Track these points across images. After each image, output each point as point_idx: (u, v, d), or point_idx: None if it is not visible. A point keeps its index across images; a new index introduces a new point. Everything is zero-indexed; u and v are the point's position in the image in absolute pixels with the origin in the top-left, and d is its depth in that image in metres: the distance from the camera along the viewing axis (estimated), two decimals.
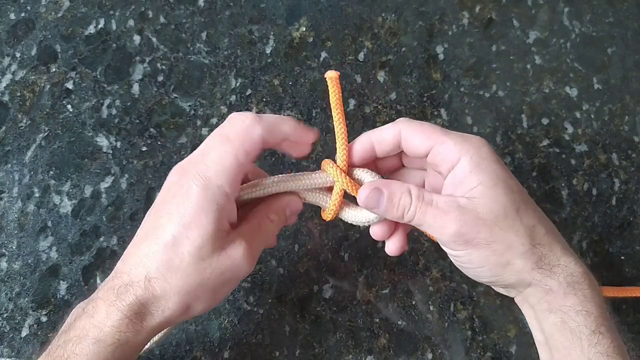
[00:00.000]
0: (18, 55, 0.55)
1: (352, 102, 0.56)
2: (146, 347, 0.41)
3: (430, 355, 0.49)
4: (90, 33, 0.57)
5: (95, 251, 0.50)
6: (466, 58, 0.59)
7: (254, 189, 0.38)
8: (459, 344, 0.49)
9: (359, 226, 0.41)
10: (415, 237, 0.52)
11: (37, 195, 0.51)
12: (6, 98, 0.54)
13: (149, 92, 0.55)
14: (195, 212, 0.33)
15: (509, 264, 0.34)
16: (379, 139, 0.38)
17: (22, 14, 0.57)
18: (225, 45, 0.57)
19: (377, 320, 0.49)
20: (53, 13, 0.57)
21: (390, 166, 0.42)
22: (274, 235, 0.39)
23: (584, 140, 0.57)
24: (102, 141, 0.53)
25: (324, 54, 0.57)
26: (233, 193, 0.35)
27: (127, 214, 0.51)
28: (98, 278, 0.49)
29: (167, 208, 0.34)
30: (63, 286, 0.49)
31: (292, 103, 0.55)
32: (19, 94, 0.54)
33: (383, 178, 0.39)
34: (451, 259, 0.38)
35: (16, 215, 0.50)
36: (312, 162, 0.53)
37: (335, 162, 0.39)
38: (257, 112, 0.55)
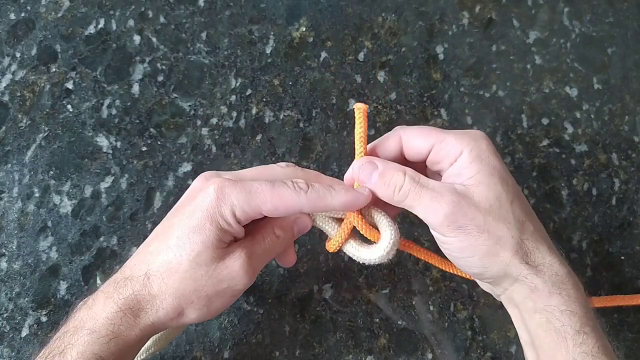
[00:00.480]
0: (18, 55, 0.55)
1: (352, 102, 0.56)
2: (142, 358, 0.41)
3: (430, 355, 0.49)
4: (90, 33, 0.57)
5: (95, 251, 0.50)
6: (466, 58, 0.59)
7: None
8: (459, 344, 0.49)
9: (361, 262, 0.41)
10: (415, 237, 0.52)
11: (37, 195, 0.51)
12: (6, 98, 0.54)
13: (149, 92, 0.55)
14: (202, 219, 0.34)
15: (498, 255, 0.34)
16: (381, 148, 0.39)
17: (22, 14, 0.57)
18: (225, 45, 0.57)
19: (377, 320, 0.49)
20: (53, 13, 0.57)
21: None
22: (278, 251, 0.39)
23: (584, 140, 0.57)
24: (102, 141, 0.53)
25: (324, 54, 0.57)
26: (244, 219, 0.35)
27: (127, 214, 0.51)
28: (98, 278, 0.49)
29: (182, 210, 0.35)
30: (63, 286, 0.49)
31: (292, 103, 0.55)
32: (19, 94, 0.54)
33: (398, 226, 0.39)
34: (441, 247, 0.37)
35: (16, 215, 0.50)
36: (312, 161, 0.53)
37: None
38: (256, 113, 0.55)
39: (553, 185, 0.55)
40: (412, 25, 0.59)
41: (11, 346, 0.47)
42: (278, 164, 0.40)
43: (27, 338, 0.47)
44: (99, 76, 0.55)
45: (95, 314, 0.33)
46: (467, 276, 0.41)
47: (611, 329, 0.49)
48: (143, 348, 0.40)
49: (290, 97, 0.56)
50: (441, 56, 0.58)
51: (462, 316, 0.50)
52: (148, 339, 0.36)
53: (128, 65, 0.56)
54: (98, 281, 0.49)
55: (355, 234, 0.40)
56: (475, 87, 0.57)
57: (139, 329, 0.34)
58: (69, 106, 0.54)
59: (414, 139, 0.37)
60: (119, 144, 0.53)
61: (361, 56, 0.58)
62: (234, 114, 0.55)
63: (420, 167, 0.39)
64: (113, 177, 0.52)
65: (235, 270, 0.34)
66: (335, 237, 0.39)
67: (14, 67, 0.55)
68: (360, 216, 0.38)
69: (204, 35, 0.57)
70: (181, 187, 0.52)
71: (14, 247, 0.50)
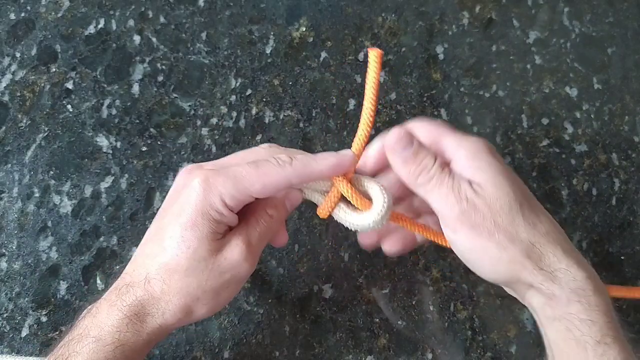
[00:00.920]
0: (18, 55, 0.55)
1: (352, 102, 0.56)
2: None
3: (430, 355, 0.49)
4: (90, 33, 0.57)
5: (95, 251, 0.50)
6: (466, 58, 0.59)
7: None
8: (459, 344, 0.49)
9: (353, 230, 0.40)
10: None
11: (37, 195, 0.51)
12: (6, 98, 0.54)
13: (149, 92, 0.55)
14: (192, 214, 0.33)
15: (509, 260, 0.33)
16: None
17: (22, 14, 0.57)
18: (225, 45, 0.57)
19: (377, 320, 0.49)
20: (53, 13, 0.57)
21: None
22: (274, 231, 0.38)
23: (584, 140, 0.57)
24: (102, 141, 0.53)
25: (324, 54, 0.57)
26: (235, 205, 0.35)
27: (127, 214, 0.51)
28: (98, 278, 0.49)
29: (170, 210, 0.35)
30: (63, 286, 0.49)
31: (292, 103, 0.55)
32: (19, 94, 0.54)
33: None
34: (452, 246, 0.37)
35: (16, 215, 0.50)
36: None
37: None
38: (256, 113, 0.55)
39: (553, 185, 0.55)
40: (412, 25, 0.59)
41: (11, 346, 0.47)
42: (260, 145, 0.39)
43: (27, 338, 0.47)
44: (99, 76, 0.55)
45: (100, 322, 0.33)
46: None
47: None
48: None
49: (290, 97, 0.56)
50: (441, 56, 0.58)
51: (462, 316, 0.50)
52: (156, 342, 0.36)
53: (128, 65, 0.56)
54: (98, 281, 0.49)
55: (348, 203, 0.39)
56: (475, 87, 0.57)
57: (146, 334, 0.33)
58: (69, 106, 0.54)
59: (424, 129, 0.38)
60: (119, 144, 0.53)
61: (361, 56, 0.58)
62: (234, 114, 0.55)
63: None
64: (113, 177, 0.52)
65: (235, 259, 0.34)
66: (324, 203, 0.38)
67: (14, 67, 0.55)
68: (349, 184, 0.37)
69: (204, 35, 0.57)
70: None
71: (14, 247, 0.50)
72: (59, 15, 0.57)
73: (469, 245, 0.35)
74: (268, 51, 0.57)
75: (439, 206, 0.35)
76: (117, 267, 0.49)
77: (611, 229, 0.54)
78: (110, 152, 0.53)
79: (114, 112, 0.54)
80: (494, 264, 0.34)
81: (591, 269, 0.34)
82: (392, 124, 0.55)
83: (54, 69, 0.55)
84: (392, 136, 0.36)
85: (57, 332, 0.47)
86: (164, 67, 0.56)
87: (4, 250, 0.50)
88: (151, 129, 0.54)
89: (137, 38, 0.57)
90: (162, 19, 0.58)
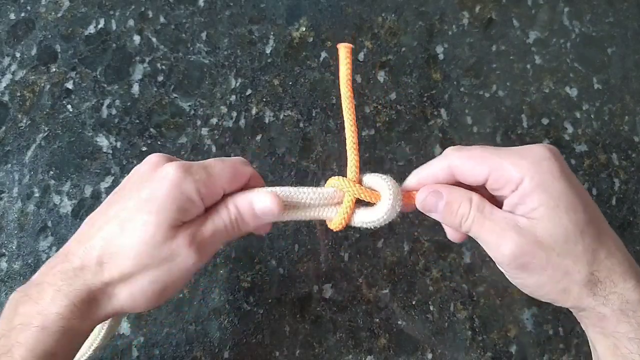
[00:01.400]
0: (18, 55, 0.55)
1: None
2: (95, 345, 0.40)
3: (430, 355, 0.49)
4: (90, 33, 0.57)
5: None
6: (466, 58, 0.59)
7: None
8: (459, 344, 0.49)
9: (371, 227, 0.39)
10: (415, 237, 0.52)
11: (37, 195, 0.51)
12: (6, 98, 0.54)
13: (149, 92, 0.55)
14: (163, 201, 0.33)
15: (564, 290, 0.33)
16: (429, 177, 0.37)
17: (22, 14, 0.57)
18: (225, 45, 0.57)
19: (377, 320, 0.49)
20: (53, 13, 0.57)
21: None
22: (237, 231, 0.36)
23: (584, 140, 0.57)
24: (102, 141, 0.53)
25: (324, 54, 0.57)
26: (207, 195, 0.35)
27: None
28: None
29: (138, 193, 0.34)
30: None
31: (292, 103, 0.55)
32: (19, 94, 0.54)
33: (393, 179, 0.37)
34: (508, 278, 0.36)
35: (16, 215, 0.50)
36: (312, 161, 0.53)
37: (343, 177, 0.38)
38: (256, 113, 0.55)
39: None
40: (412, 25, 0.59)
41: None
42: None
43: None
44: (99, 76, 0.55)
45: (44, 309, 0.31)
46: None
47: None
48: (87, 344, 0.40)
49: (290, 97, 0.56)
50: (441, 56, 0.58)
51: (462, 316, 0.50)
52: (99, 324, 0.35)
53: (128, 65, 0.56)
54: None
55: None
56: (475, 87, 0.57)
57: (91, 320, 0.33)
58: (69, 106, 0.54)
59: (465, 167, 0.34)
60: (119, 144, 0.53)
61: (361, 56, 0.58)
62: (234, 114, 0.55)
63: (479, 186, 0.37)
64: (113, 177, 0.52)
65: (181, 249, 0.33)
66: (339, 215, 0.37)
67: (14, 67, 0.55)
68: (357, 185, 0.37)
69: (204, 35, 0.57)
70: None
71: (14, 247, 0.50)
72: (59, 15, 0.57)
73: (523, 282, 0.34)
74: (268, 51, 0.57)
75: (488, 250, 0.34)
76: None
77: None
78: (110, 152, 0.53)
79: (114, 112, 0.54)
80: (550, 295, 0.34)
81: None
82: (392, 124, 0.55)
83: (54, 69, 0.55)
84: (419, 198, 0.36)
85: None
86: (164, 67, 0.56)
87: (4, 250, 0.50)
88: (151, 129, 0.54)
89: (137, 38, 0.57)
90: (162, 19, 0.58)
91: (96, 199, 0.51)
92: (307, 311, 0.49)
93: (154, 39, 0.57)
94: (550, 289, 0.33)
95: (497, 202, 0.35)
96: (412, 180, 0.37)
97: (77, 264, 0.33)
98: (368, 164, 0.54)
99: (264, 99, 0.55)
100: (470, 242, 0.52)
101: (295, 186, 0.37)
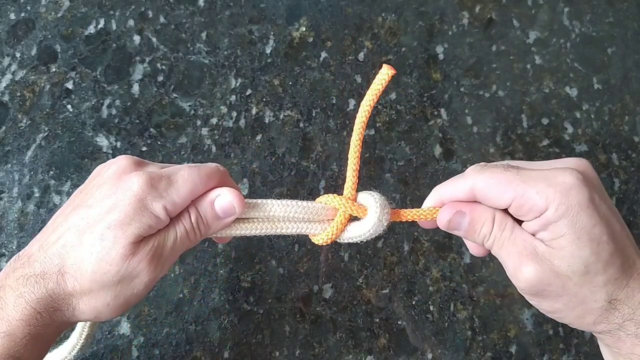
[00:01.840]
0: (18, 55, 0.55)
1: (352, 102, 0.56)
2: (74, 352, 0.40)
3: (430, 355, 0.49)
4: (90, 33, 0.57)
5: None
6: (466, 58, 0.59)
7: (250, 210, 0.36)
8: (459, 344, 0.49)
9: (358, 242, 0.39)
10: (415, 237, 0.52)
11: (37, 195, 0.51)
12: (6, 98, 0.54)
13: (149, 92, 0.55)
14: (125, 216, 0.32)
15: (580, 317, 0.33)
16: (450, 195, 0.36)
17: (22, 14, 0.57)
18: (225, 45, 0.57)
19: (377, 320, 0.49)
20: (53, 13, 0.57)
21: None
22: (197, 235, 0.36)
23: (584, 140, 0.57)
24: (102, 141, 0.53)
25: (324, 54, 0.57)
26: (174, 211, 0.34)
27: None
28: None
29: (101, 202, 0.33)
30: None
31: (292, 103, 0.55)
32: (19, 94, 0.54)
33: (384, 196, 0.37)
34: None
35: (16, 215, 0.50)
36: (312, 161, 0.53)
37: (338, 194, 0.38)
38: (256, 113, 0.55)
39: None
40: (412, 25, 0.59)
41: None
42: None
43: None
44: (99, 76, 0.55)
45: (8, 316, 0.31)
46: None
47: None
48: (68, 347, 0.40)
49: (290, 97, 0.56)
50: (441, 56, 0.58)
51: (462, 316, 0.50)
52: (65, 329, 0.35)
53: (128, 65, 0.56)
54: None
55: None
56: (475, 87, 0.57)
57: (55, 326, 0.33)
58: (69, 106, 0.54)
59: (490, 192, 0.34)
60: (119, 144, 0.53)
61: (361, 56, 0.58)
62: (234, 114, 0.55)
63: None
64: None
65: (143, 266, 0.33)
66: (330, 230, 0.37)
67: (14, 67, 0.55)
68: (350, 201, 0.37)
69: (204, 35, 0.57)
70: None
71: (14, 247, 0.50)
72: (59, 15, 0.57)
73: (536, 304, 0.35)
74: (268, 51, 0.57)
75: (506, 270, 0.34)
76: None
77: None
78: (110, 152, 0.53)
79: (114, 112, 0.54)
80: (562, 317, 0.34)
81: None
82: (392, 124, 0.55)
83: (54, 69, 0.55)
84: (442, 218, 0.35)
85: None
86: (164, 67, 0.56)
87: (4, 250, 0.50)
88: (151, 129, 0.54)
89: (137, 38, 0.57)
90: (162, 19, 0.58)
91: None
92: (307, 311, 0.49)
93: (154, 39, 0.57)
94: (565, 315, 0.33)
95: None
96: (432, 198, 0.37)
97: (38, 270, 0.32)
98: (368, 164, 0.54)
99: (264, 99, 0.55)
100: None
101: (280, 199, 0.36)
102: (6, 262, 0.49)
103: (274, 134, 0.54)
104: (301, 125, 0.55)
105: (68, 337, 0.41)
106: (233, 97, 0.55)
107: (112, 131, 0.54)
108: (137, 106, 0.54)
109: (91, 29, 0.57)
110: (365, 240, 0.37)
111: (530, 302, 0.35)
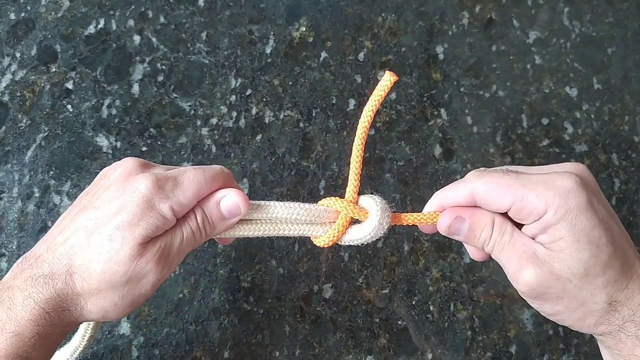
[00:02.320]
0: (18, 55, 0.55)
1: (352, 102, 0.56)
2: (76, 354, 0.41)
3: (430, 355, 0.49)
4: (90, 33, 0.57)
5: None
6: (466, 58, 0.59)
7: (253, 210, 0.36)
8: (459, 344, 0.49)
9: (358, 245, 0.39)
10: (415, 237, 0.52)
11: (37, 195, 0.51)
12: (6, 98, 0.54)
13: (149, 92, 0.55)
14: (133, 217, 0.32)
15: (580, 319, 0.34)
16: (451, 200, 0.36)
17: (22, 14, 0.57)
18: (225, 45, 0.57)
19: (377, 320, 0.49)
20: (53, 13, 0.57)
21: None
22: (203, 235, 0.36)
23: (584, 140, 0.57)
24: (102, 141, 0.53)
25: (324, 54, 0.57)
26: (181, 211, 0.34)
27: None
28: None
29: (109, 204, 0.33)
30: None
31: (292, 103, 0.55)
32: (19, 94, 0.54)
33: (386, 200, 0.38)
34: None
35: (16, 215, 0.50)
36: (312, 161, 0.53)
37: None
38: (256, 113, 0.55)
39: None
40: (412, 25, 0.59)
41: None
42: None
43: None
44: (99, 76, 0.55)
45: (17, 316, 0.31)
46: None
47: None
48: (71, 348, 0.40)
49: (290, 97, 0.56)
50: (441, 56, 0.58)
51: (462, 316, 0.50)
52: (71, 330, 0.35)
53: (128, 65, 0.56)
54: None
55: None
56: (475, 87, 0.57)
57: (63, 326, 0.33)
58: (69, 106, 0.54)
59: (489, 196, 0.34)
60: (119, 144, 0.53)
61: (361, 56, 0.58)
62: (234, 114, 0.55)
63: None
64: None
65: (150, 266, 0.33)
66: (331, 232, 0.38)
67: (14, 67, 0.55)
68: (352, 204, 0.37)
69: (204, 35, 0.57)
70: None
71: (14, 247, 0.50)
72: (59, 15, 0.57)
73: (536, 307, 0.35)
74: (268, 51, 0.57)
75: (507, 274, 0.35)
76: None
77: None
78: (110, 152, 0.53)
79: (114, 112, 0.54)
80: (563, 319, 0.35)
81: None
82: (392, 124, 0.55)
83: (54, 69, 0.55)
84: (442, 223, 0.36)
85: None
86: (164, 67, 0.56)
87: (4, 250, 0.50)
88: (151, 129, 0.54)
89: (137, 38, 0.57)
90: (162, 19, 0.58)
91: None
92: (307, 311, 0.49)
93: (154, 39, 0.57)
94: (566, 317, 0.34)
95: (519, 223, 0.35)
96: (433, 203, 0.37)
97: (46, 270, 0.32)
98: (368, 164, 0.54)
99: (264, 99, 0.55)
100: None
101: (284, 201, 0.37)
102: (6, 262, 0.49)
103: (274, 134, 0.54)
104: (301, 125, 0.55)
105: (70, 338, 0.41)
106: (233, 97, 0.55)
107: (112, 131, 0.54)
108: (137, 106, 0.54)
109: (91, 29, 0.57)
110: (366, 243, 0.38)
111: (532, 305, 0.35)
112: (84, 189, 0.51)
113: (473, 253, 0.38)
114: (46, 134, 0.53)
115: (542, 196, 0.32)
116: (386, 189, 0.53)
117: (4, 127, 0.53)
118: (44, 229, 0.50)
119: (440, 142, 0.55)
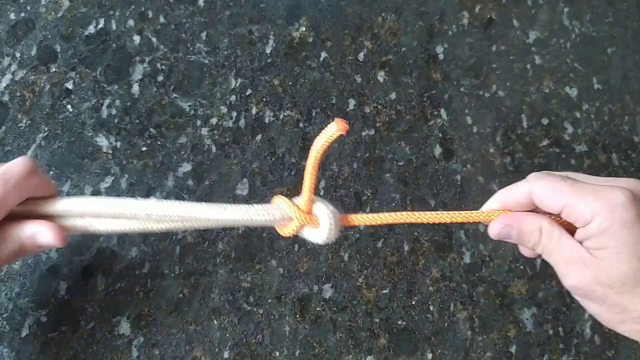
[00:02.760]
0: (18, 55, 0.55)
1: (352, 102, 0.56)
2: None
3: (430, 355, 0.49)
4: (90, 33, 0.57)
5: (95, 251, 0.50)
6: (466, 58, 0.59)
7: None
8: (459, 344, 0.49)
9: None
10: (415, 237, 0.52)
11: None
12: (6, 98, 0.54)
13: (149, 92, 0.55)
14: None
15: (621, 322, 0.35)
16: (511, 200, 0.39)
17: (22, 14, 0.57)
18: (225, 45, 0.57)
19: (377, 320, 0.49)
20: (53, 13, 0.57)
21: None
22: (19, 253, 0.37)
23: (584, 140, 0.57)
24: (102, 141, 0.53)
25: (324, 54, 0.57)
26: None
27: None
28: (98, 278, 0.49)
29: None
30: (63, 286, 0.49)
31: (292, 103, 0.55)
32: (19, 94, 0.54)
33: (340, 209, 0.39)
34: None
35: None
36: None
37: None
38: (256, 113, 0.55)
39: None
40: (412, 25, 0.59)
41: (11, 346, 0.47)
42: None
43: (27, 338, 0.47)
44: (98, 76, 0.55)
45: None
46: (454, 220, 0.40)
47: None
48: None
49: (290, 97, 0.56)
50: (441, 56, 0.58)
51: (462, 316, 0.50)
52: None
53: (128, 65, 0.56)
54: (98, 281, 0.49)
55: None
56: (475, 87, 0.57)
57: None
58: (69, 106, 0.54)
59: (544, 197, 0.36)
60: (118, 144, 0.53)
61: (361, 56, 0.58)
62: (234, 114, 0.55)
63: None
64: (113, 177, 0.52)
65: None
66: (290, 227, 0.39)
67: (14, 67, 0.55)
68: (304, 213, 0.39)
69: (204, 35, 0.57)
70: (181, 187, 0.52)
71: None
72: (59, 15, 0.57)
73: (583, 304, 0.37)
74: (268, 51, 0.57)
75: (556, 271, 0.37)
76: (117, 267, 0.49)
77: None
78: (110, 152, 0.53)
79: (114, 112, 0.54)
80: (604, 320, 0.37)
81: None
82: (392, 124, 0.55)
83: (54, 69, 0.55)
84: (493, 230, 0.38)
85: (57, 332, 0.47)
86: (164, 67, 0.56)
87: None
88: (151, 129, 0.54)
89: (137, 38, 0.57)
90: (162, 19, 0.58)
91: None
92: (307, 311, 0.49)
93: (154, 39, 0.57)
94: (607, 318, 0.36)
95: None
96: (494, 201, 0.39)
97: None
98: (368, 164, 0.54)
99: (264, 99, 0.55)
100: (470, 242, 0.52)
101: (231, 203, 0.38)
102: None
103: (274, 134, 0.54)
104: (301, 125, 0.55)
105: None
106: (233, 97, 0.55)
107: (112, 131, 0.54)
108: (137, 106, 0.55)
109: (91, 29, 0.57)
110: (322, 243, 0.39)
111: (580, 302, 0.38)
112: (84, 189, 0.51)
113: (525, 251, 0.41)
114: (46, 134, 0.53)
115: (590, 206, 0.34)
116: (386, 189, 0.53)
117: (3, 127, 0.53)
118: None
119: (440, 142, 0.55)
